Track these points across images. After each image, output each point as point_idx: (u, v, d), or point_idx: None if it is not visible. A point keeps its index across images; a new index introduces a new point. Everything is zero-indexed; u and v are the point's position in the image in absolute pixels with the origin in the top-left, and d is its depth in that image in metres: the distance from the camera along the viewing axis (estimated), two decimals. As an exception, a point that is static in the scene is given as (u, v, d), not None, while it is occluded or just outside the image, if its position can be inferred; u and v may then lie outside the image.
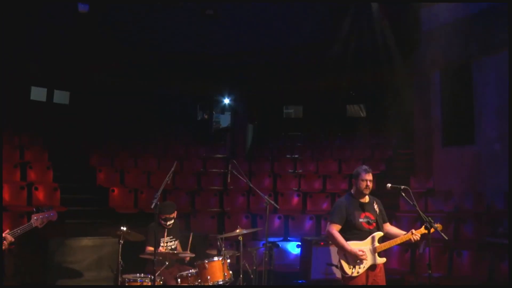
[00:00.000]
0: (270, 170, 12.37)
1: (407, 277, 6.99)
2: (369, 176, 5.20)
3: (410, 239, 5.07)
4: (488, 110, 9.32)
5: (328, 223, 5.25)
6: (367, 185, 5.17)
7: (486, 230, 7.98)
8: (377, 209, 5.30)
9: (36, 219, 4.10)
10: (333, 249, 7.22)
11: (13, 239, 3.99)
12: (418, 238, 5.05)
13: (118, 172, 10.88)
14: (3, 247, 3.99)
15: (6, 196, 8.61)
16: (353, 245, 5.05)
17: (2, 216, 7.47)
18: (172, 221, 6.29)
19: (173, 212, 6.32)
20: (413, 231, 5.06)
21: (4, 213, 7.83)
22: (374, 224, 5.21)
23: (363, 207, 5.24)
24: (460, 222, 8.30)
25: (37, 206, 4.30)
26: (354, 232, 5.14)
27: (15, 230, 4.01)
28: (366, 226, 5.17)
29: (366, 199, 5.29)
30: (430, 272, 4.77)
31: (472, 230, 8.15)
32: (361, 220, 5.16)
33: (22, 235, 4.09)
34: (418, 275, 6.13)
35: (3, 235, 3.94)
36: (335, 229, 5.14)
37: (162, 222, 6.23)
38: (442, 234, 4.92)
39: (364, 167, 5.28)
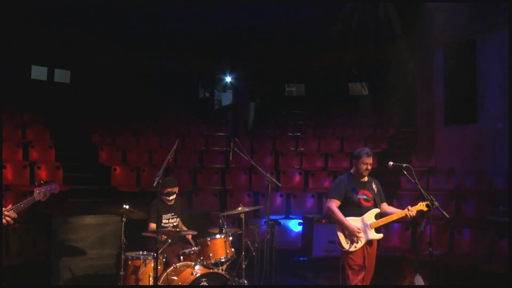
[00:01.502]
0: (272, 148, 12.37)
1: (408, 255, 7.05)
2: (370, 160, 5.34)
3: (406, 215, 5.19)
4: (492, 88, 9.25)
5: (328, 199, 5.40)
6: (367, 168, 5.33)
7: (487, 208, 8.00)
8: (375, 189, 5.47)
9: (39, 193, 4.12)
10: (334, 227, 7.25)
11: (16, 215, 4.00)
12: (414, 215, 5.18)
13: (120, 151, 10.90)
14: (7, 223, 4.01)
15: (9, 175, 8.66)
16: (351, 221, 5.23)
17: (2, 194, 7.52)
18: (175, 196, 6.32)
19: (175, 186, 6.35)
20: (409, 207, 5.18)
21: (7, 192, 7.89)
22: (372, 201, 5.38)
23: (362, 185, 5.39)
24: (461, 201, 8.33)
25: (39, 180, 4.31)
26: (352, 208, 5.29)
27: (18, 204, 4.02)
28: (364, 203, 5.33)
29: (365, 178, 5.46)
30: (431, 249, 4.81)
31: (473, 209, 8.18)
32: (359, 196, 5.33)
33: (26, 212, 4.11)
34: (418, 252, 6.17)
35: (6, 212, 3.95)
36: (334, 204, 5.30)
37: (165, 197, 6.25)
38: (444, 212, 4.94)
39: (366, 150, 5.39)
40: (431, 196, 4.94)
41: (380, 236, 5.33)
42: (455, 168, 9.63)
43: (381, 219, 5.28)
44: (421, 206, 5.13)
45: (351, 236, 5.18)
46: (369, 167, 5.32)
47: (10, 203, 7.26)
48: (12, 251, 6.77)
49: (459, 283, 7.00)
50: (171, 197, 6.27)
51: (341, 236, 5.24)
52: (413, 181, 5.05)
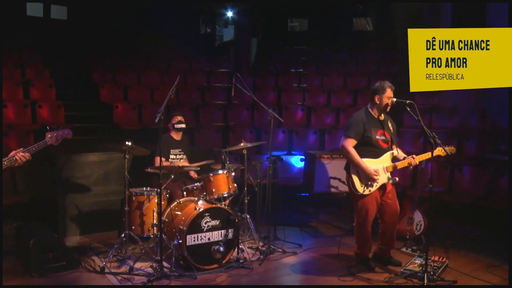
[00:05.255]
0: (275, 84, 12.25)
1: (408, 192, 7.14)
2: (393, 94, 5.07)
3: (409, 164, 5.07)
4: (501, 24, 8.97)
5: (344, 137, 5.10)
6: (391, 103, 5.05)
7: (489, 147, 8.02)
8: (391, 128, 5.23)
9: (51, 137, 4.15)
10: (336, 163, 7.31)
11: (30, 157, 4.04)
12: (417, 163, 5.09)
13: (121, 89, 10.82)
14: (19, 163, 4.04)
15: (10, 114, 8.66)
16: (368, 163, 4.98)
17: (2, 133, 7.55)
18: (184, 125, 6.37)
19: (182, 115, 6.43)
20: (414, 156, 5.07)
21: (10, 131, 7.91)
22: (389, 142, 5.16)
23: (380, 124, 5.14)
24: (463, 139, 8.33)
25: (51, 125, 4.29)
26: (369, 149, 5.05)
27: (30, 147, 4.04)
28: (382, 144, 5.09)
29: (383, 116, 5.18)
30: (431, 186, 4.83)
31: (475, 147, 8.19)
32: (378, 137, 5.07)
33: (35, 152, 4.13)
34: (419, 189, 6.24)
35: (21, 153, 3.98)
36: (351, 144, 5.01)
37: (175, 131, 6.34)
38: (447, 151, 4.93)
39: (389, 83, 5.09)
40: (433, 134, 4.86)
41: (396, 179, 5.15)
42: (458, 106, 9.57)
43: (397, 163, 5.08)
44: (426, 156, 5.03)
45: (367, 179, 4.97)
46: (392, 102, 5.04)
47: (14, 142, 7.34)
48: (19, 189, 6.89)
49: (458, 219, 7.16)
50: (182, 126, 6.32)
51: (355, 178, 4.99)
52: (416, 118, 4.85)
